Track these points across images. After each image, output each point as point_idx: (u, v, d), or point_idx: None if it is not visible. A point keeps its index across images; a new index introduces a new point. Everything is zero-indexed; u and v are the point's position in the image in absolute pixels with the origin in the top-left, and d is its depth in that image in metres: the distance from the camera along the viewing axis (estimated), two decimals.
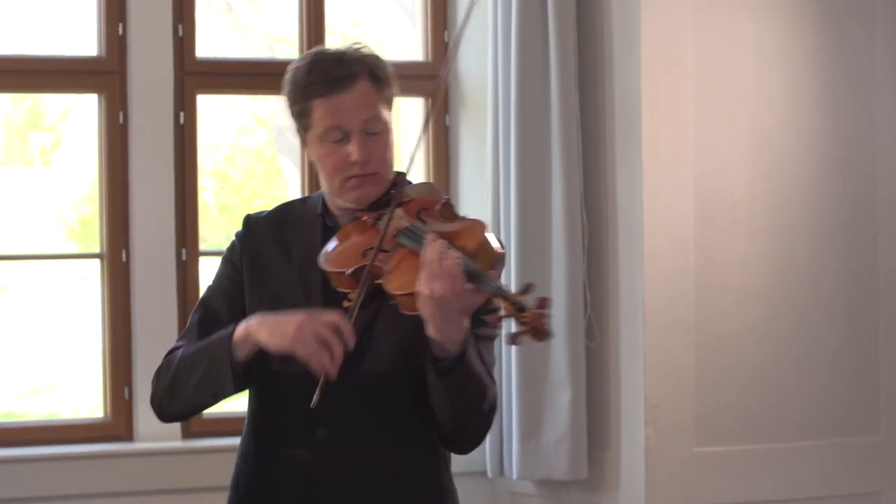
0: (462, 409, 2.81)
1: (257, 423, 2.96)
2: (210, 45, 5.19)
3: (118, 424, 4.83)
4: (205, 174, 5.14)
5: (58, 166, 5.40)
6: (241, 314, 2.89)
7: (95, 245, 4.90)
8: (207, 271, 4.94)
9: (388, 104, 2.91)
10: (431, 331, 2.69)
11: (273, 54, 5.39)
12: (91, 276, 4.97)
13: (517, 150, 4.81)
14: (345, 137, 2.86)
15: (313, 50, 2.96)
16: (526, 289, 2.62)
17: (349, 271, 2.78)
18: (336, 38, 5.22)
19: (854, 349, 5.00)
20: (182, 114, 4.88)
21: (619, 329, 4.79)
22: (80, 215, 5.32)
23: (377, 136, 2.88)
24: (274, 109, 5.42)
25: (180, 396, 2.90)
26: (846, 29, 4.99)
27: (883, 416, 5.03)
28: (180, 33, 4.88)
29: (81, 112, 5.19)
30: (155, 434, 4.78)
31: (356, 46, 2.93)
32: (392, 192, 2.89)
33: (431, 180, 5.07)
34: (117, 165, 4.83)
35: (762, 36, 4.88)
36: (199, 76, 4.92)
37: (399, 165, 2.95)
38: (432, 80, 5.03)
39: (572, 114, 4.79)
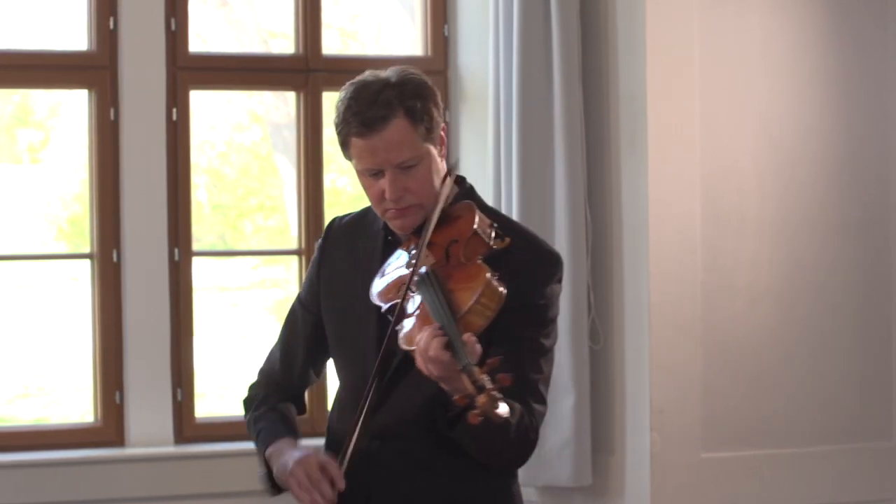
0: (487, 449, 2.83)
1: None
2: (203, 39, 5.21)
3: (109, 429, 4.81)
4: (198, 172, 5.15)
5: (47, 164, 5.41)
6: (317, 326, 3.05)
7: (86, 245, 4.89)
8: (201, 272, 4.91)
9: (428, 134, 2.88)
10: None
11: (268, 49, 5.41)
12: (81, 276, 4.97)
13: (519, 148, 4.79)
14: (380, 173, 2.88)
15: (359, 80, 2.92)
16: (493, 364, 2.59)
17: (385, 308, 2.84)
18: (333, 33, 5.18)
19: (866, 351, 5.01)
20: (175, 110, 4.85)
21: (624, 331, 4.79)
22: (70, 214, 5.32)
23: (413, 168, 2.87)
24: (269, 106, 5.38)
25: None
26: (856, 22, 5.02)
27: None
28: (173, 27, 4.85)
29: (71, 108, 5.19)
30: (146, 439, 4.78)
31: (401, 75, 2.88)
32: (425, 225, 2.87)
33: None
34: (108, 163, 4.81)
35: (770, 30, 4.90)
36: (192, 71, 4.90)
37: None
38: (431, 75, 4.97)
39: (576, 110, 4.77)
